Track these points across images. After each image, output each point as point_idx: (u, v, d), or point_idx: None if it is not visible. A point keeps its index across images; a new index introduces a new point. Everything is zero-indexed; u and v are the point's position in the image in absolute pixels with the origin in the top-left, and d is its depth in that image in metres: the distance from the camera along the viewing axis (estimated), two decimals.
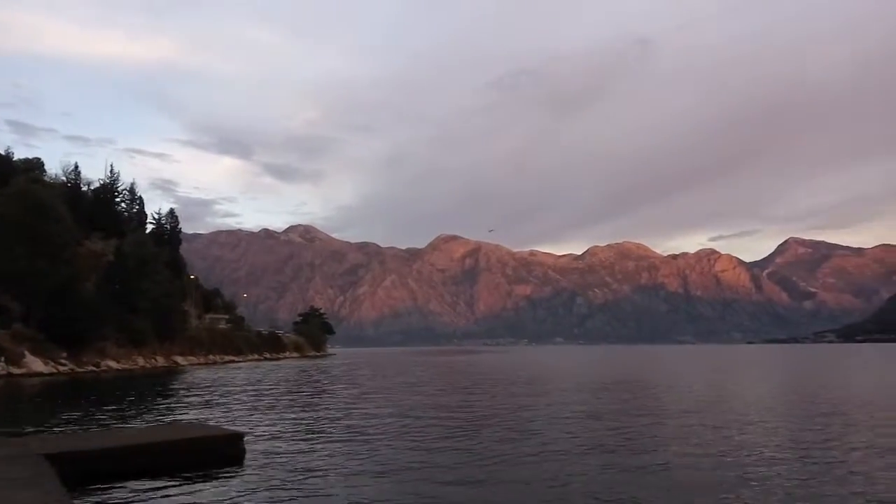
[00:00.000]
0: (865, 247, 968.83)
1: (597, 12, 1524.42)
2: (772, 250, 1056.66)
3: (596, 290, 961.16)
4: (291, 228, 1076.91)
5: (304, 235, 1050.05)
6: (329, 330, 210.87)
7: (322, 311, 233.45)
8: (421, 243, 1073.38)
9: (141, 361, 78.75)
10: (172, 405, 31.65)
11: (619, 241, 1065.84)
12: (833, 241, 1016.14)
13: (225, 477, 14.21)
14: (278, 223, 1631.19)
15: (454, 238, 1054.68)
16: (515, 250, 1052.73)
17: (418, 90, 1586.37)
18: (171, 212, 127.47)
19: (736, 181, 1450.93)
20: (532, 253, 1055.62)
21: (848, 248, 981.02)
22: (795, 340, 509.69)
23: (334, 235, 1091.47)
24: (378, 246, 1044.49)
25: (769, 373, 64.19)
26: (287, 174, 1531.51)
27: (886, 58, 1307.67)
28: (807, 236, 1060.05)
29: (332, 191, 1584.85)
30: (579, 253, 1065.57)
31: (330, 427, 22.80)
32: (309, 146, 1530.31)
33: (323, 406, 31.11)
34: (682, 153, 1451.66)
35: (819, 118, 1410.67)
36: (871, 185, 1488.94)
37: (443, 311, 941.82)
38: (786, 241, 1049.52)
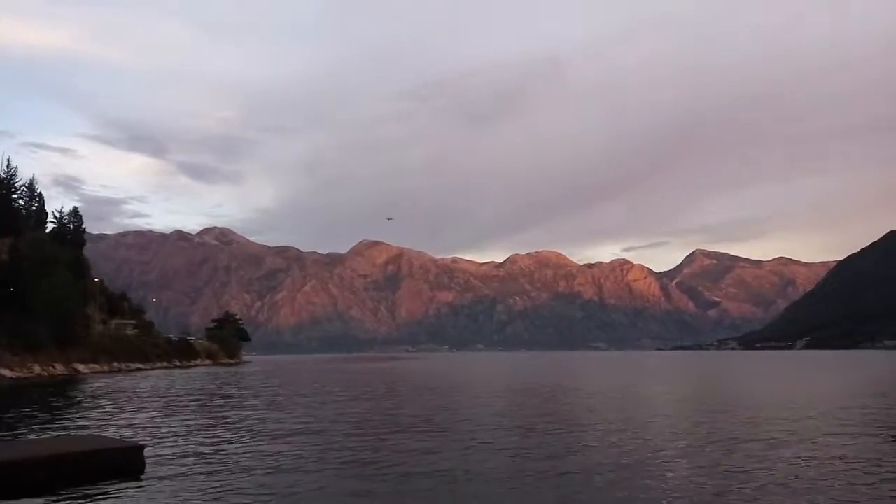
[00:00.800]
0: (764, 259, 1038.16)
1: (510, 29, 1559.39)
2: (680, 261, 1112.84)
3: (516, 297, 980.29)
4: (206, 230, 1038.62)
5: (219, 238, 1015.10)
6: (244, 336, 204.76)
7: (238, 316, 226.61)
8: (343, 248, 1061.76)
9: (37, 369, 73.69)
10: (70, 416, 29.92)
11: (539, 250, 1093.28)
12: (735, 254, 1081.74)
13: (122, 491, 13.67)
14: (192, 225, 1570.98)
15: (377, 244, 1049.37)
16: (438, 257, 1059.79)
17: (337, 94, 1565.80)
18: (75, 210, 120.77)
19: (648, 195, 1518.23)
20: (454, 260, 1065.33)
21: (748, 260, 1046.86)
22: (700, 347, 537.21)
23: (252, 239, 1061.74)
24: (298, 250, 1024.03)
25: (672, 377, 67.69)
26: (203, 174, 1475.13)
27: (779, 90, 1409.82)
28: (712, 248, 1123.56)
29: (250, 193, 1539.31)
30: (500, 261, 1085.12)
31: (236, 437, 22.31)
32: (226, 146, 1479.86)
33: (231, 415, 30.30)
34: (597, 167, 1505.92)
35: (725, 139, 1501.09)
36: (770, 202, 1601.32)
37: (364, 318, 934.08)
38: (693, 253, 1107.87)
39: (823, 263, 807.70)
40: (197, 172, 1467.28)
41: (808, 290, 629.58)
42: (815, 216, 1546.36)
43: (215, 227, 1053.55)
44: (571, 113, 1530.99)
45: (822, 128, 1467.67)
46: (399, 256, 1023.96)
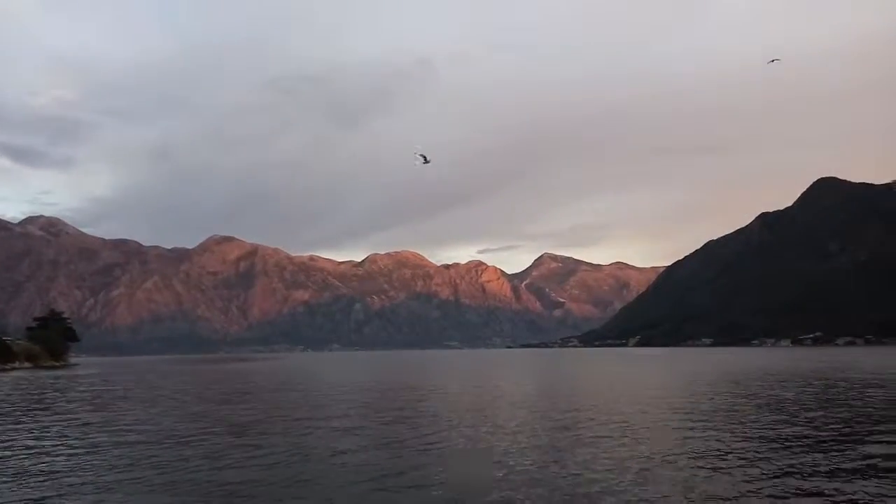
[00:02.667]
0: (604, 264, 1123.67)
1: (381, 29, 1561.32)
2: (529, 264, 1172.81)
3: (374, 296, 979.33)
4: (31, 220, 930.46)
5: (46, 228, 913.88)
6: (72, 337, 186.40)
7: (65, 315, 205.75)
8: (190, 243, 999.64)
9: None
10: None
11: (398, 249, 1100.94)
12: (579, 258, 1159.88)
13: None
14: (13, 213, 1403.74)
15: (229, 239, 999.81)
16: (295, 255, 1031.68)
17: (191, 81, 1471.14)
18: None
19: (503, 199, 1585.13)
20: (312, 258, 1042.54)
21: (590, 264, 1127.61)
22: (546, 345, 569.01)
23: (85, 230, 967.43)
24: (139, 244, 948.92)
25: (517, 373, 71.71)
26: (29, 157, 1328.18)
27: (621, 109, 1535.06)
28: (559, 252, 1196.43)
29: (84, 180, 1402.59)
30: (360, 260, 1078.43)
31: (51, 452, 20.73)
32: (59, 128, 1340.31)
33: (44, 427, 27.91)
34: (457, 170, 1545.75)
35: (573, 150, 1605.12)
36: (611, 211, 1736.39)
37: (213, 317, 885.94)
38: (541, 256, 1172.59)
39: (654, 268, 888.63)
40: (21, 155, 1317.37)
41: (640, 292, 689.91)
42: (648, 225, 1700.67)
43: (41, 217, 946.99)
44: (437, 115, 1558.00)
45: (655, 146, 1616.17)
46: (253, 253, 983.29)
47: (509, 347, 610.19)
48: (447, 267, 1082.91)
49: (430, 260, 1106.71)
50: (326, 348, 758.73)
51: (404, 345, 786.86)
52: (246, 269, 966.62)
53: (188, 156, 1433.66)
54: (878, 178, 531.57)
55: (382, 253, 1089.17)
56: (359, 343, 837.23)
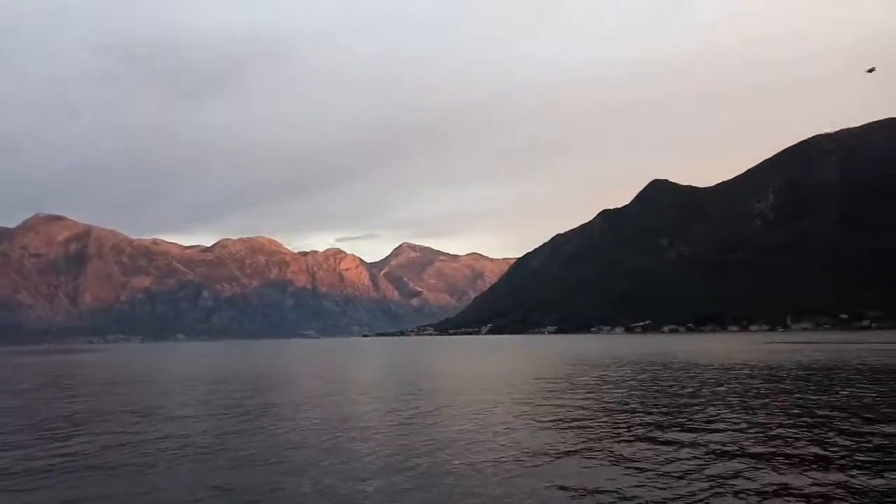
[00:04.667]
0: (461, 254, 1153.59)
1: (236, 2, 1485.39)
2: (388, 253, 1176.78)
3: (224, 283, 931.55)
4: None
5: None
6: None
7: None
8: (10, 222, 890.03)
9: None
10: None
11: (252, 235, 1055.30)
12: (437, 248, 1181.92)
13: None
14: None
15: (58, 219, 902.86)
16: (135, 237, 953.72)
17: (13, 37, 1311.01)
18: None
19: (363, 187, 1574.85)
20: (155, 241, 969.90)
21: (447, 254, 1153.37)
22: (402, 333, 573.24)
23: None
24: None
25: (372, 361, 69.15)
26: None
27: (484, 105, 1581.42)
28: (417, 242, 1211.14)
29: None
30: (209, 244, 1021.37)
31: None
32: None
33: None
34: (317, 155, 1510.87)
35: (435, 141, 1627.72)
36: (468, 203, 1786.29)
37: (36, 304, 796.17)
38: (400, 246, 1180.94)
39: (506, 259, 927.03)
40: None
41: (493, 282, 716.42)
42: (504, 218, 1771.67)
43: None
44: (294, 97, 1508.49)
45: (511, 142, 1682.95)
46: (86, 234, 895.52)
47: (366, 336, 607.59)
48: (304, 254, 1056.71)
49: (286, 247, 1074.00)
50: (170, 338, 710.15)
51: (257, 334, 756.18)
52: (77, 251, 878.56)
53: (6, 124, 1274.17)
54: (704, 181, 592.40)
55: (235, 238, 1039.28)
56: (206, 333, 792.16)
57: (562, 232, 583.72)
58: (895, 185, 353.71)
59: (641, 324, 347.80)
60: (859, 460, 13.78)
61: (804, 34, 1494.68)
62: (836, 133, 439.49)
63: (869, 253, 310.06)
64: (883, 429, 17.66)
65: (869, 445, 15.38)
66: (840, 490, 11.55)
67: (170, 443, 17.65)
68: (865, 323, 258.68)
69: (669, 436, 17.21)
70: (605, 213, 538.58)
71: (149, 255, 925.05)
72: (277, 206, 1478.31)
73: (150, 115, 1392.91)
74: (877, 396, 25.53)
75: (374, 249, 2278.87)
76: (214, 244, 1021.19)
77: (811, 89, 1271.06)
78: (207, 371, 58.60)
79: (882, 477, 12.32)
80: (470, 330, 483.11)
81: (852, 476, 12.45)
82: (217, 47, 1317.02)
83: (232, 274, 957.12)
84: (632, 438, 16.96)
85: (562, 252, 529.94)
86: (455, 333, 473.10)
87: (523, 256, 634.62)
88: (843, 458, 14.05)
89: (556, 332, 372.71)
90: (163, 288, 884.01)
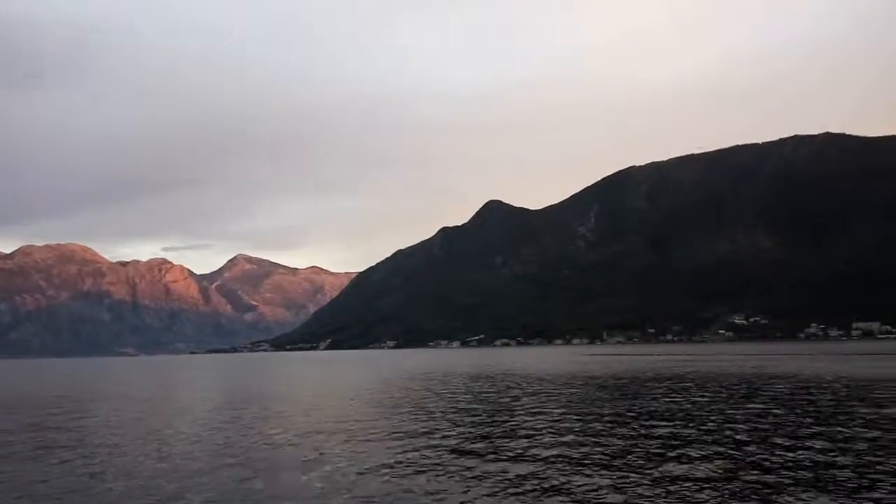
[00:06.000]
0: (300, 267, 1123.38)
1: None
2: (222, 264, 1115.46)
3: (26, 295, 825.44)
4: None
5: None
6: None
7: None
8: None
9: None
10: None
11: (62, 242, 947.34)
12: (275, 261, 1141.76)
13: None
14: None
15: None
16: None
17: None
18: None
19: (195, 195, 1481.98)
20: None
21: (286, 267, 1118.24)
22: (235, 350, 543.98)
23: None
24: None
25: (192, 380, 63.61)
26: None
27: (330, 117, 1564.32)
28: (254, 254, 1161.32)
29: None
30: (8, 251, 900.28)
31: None
32: None
33: None
34: (143, 157, 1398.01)
35: (276, 150, 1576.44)
36: (309, 215, 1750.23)
37: None
38: (235, 257, 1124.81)
39: (347, 274, 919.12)
40: None
41: (333, 297, 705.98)
42: (346, 232, 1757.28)
43: None
44: (121, 99, 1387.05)
45: (356, 156, 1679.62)
46: None
47: (193, 353, 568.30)
48: (124, 264, 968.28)
49: (102, 255, 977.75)
50: None
51: (65, 352, 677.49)
52: None
53: None
54: (535, 204, 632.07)
55: (40, 244, 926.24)
56: (3, 351, 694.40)
57: (403, 248, 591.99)
58: (695, 212, 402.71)
59: (476, 338, 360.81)
60: (636, 459, 14.62)
61: (635, 78, 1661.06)
62: (646, 165, 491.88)
63: (673, 273, 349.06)
64: (656, 430, 19.09)
65: (643, 447, 16.45)
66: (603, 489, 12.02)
67: None
68: (669, 337, 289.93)
69: (479, 445, 17.26)
70: (444, 231, 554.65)
71: None
72: (93, 210, 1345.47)
73: None
74: (669, 402, 27.89)
75: (206, 261, 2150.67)
76: (15, 251, 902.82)
77: (632, 125, 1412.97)
78: None
79: (650, 472, 13.09)
80: (308, 345, 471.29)
81: (624, 474, 13.10)
82: (19, 36, 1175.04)
83: (36, 285, 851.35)
84: (447, 447, 16.76)
85: (403, 267, 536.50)
86: (292, 349, 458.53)
87: (365, 271, 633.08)
88: (624, 456, 14.83)
89: (395, 347, 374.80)
90: None
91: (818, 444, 16.25)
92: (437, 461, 15.43)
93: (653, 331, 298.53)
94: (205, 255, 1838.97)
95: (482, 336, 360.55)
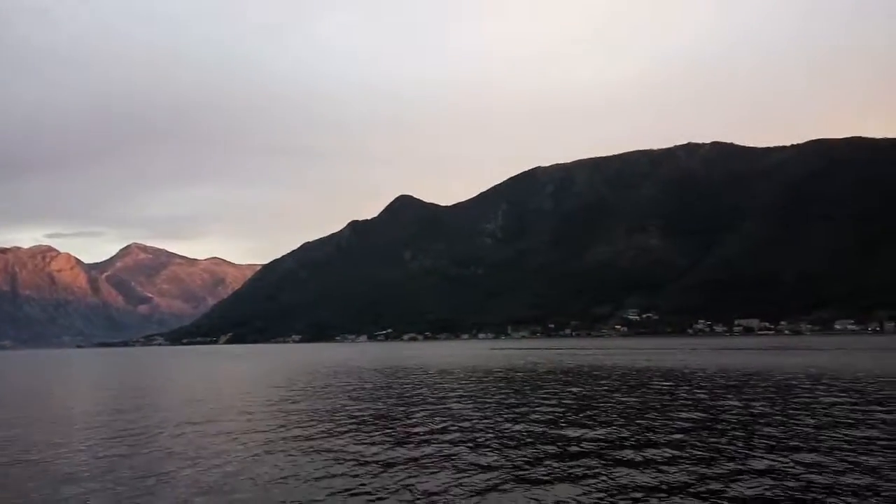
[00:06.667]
0: (200, 258, 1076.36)
1: None
2: (114, 253, 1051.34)
3: None
4: None
5: None
6: None
7: None
8: None
9: None
10: None
11: None
12: (173, 250, 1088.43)
13: None
14: None
15: None
16: None
17: None
18: None
19: (84, 180, 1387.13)
20: None
21: (185, 257, 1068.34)
22: (126, 344, 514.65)
23: None
24: None
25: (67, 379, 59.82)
26: None
27: (234, 104, 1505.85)
28: (149, 243, 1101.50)
29: None
30: None
31: None
32: None
33: None
34: (23, 139, 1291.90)
35: (175, 136, 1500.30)
36: (210, 204, 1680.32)
37: None
38: (128, 246, 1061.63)
39: (251, 266, 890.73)
40: None
41: (236, 289, 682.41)
42: (250, 222, 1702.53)
43: None
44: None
45: (265, 145, 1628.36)
46: None
47: (80, 347, 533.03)
48: (3, 251, 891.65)
49: None
50: None
51: None
52: None
53: None
54: (445, 200, 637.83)
55: None
56: None
57: (311, 240, 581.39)
58: (596, 213, 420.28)
59: (384, 332, 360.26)
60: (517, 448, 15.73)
61: (542, 83, 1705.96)
62: (551, 167, 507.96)
63: (574, 271, 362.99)
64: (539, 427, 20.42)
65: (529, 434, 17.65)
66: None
67: None
68: (568, 332, 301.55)
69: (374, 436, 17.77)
70: (354, 224, 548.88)
71: None
72: None
73: None
74: (562, 392, 29.59)
75: (97, 249, 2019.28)
76: None
77: (540, 127, 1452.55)
78: None
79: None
80: (207, 339, 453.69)
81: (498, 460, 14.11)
82: None
83: None
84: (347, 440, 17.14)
85: (310, 260, 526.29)
86: (189, 343, 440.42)
87: (270, 263, 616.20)
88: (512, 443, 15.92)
89: (301, 341, 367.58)
90: None
91: (650, 423, 18.07)
92: (321, 455, 15.83)
93: (553, 326, 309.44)
94: (95, 244, 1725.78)
95: (390, 330, 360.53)
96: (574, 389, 31.18)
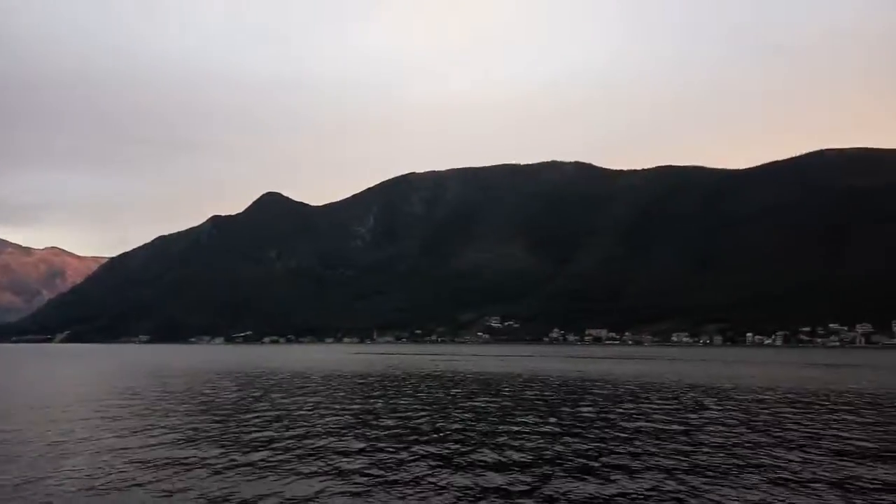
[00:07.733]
0: (36, 247, 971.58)
1: None
2: None
3: None
4: None
5: None
6: None
7: None
8: None
9: None
10: None
11: None
12: (4, 237, 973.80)
13: None
14: None
15: None
16: None
17: None
18: None
19: None
20: None
21: (17, 245, 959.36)
22: None
23: None
24: None
25: None
26: None
27: (94, 82, 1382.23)
28: None
29: None
30: None
31: None
32: None
33: None
34: None
35: (16, 113, 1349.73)
36: (51, 190, 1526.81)
37: None
38: None
39: (96, 258, 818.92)
40: None
41: (77, 283, 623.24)
42: (94, 211, 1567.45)
43: None
44: None
45: (121, 132, 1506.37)
46: None
47: None
48: None
49: None
50: None
51: None
52: None
53: None
54: (315, 200, 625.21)
55: None
56: None
57: (167, 234, 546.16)
58: (464, 222, 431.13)
59: (243, 334, 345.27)
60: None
61: (417, 92, 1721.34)
62: (426, 173, 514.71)
63: (440, 278, 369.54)
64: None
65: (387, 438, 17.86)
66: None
67: None
68: (433, 338, 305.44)
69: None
70: (215, 219, 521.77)
71: None
72: None
73: None
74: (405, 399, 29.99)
75: None
76: None
77: (415, 134, 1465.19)
78: None
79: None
80: (40, 337, 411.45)
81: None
82: None
83: None
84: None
85: (165, 255, 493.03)
86: (19, 341, 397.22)
87: (119, 256, 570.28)
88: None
89: (150, 342, 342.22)
90: None
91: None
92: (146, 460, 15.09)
93: (419, 332, 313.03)
94: None
95: (249, 332, 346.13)
96: (422, 395, 31.79)
